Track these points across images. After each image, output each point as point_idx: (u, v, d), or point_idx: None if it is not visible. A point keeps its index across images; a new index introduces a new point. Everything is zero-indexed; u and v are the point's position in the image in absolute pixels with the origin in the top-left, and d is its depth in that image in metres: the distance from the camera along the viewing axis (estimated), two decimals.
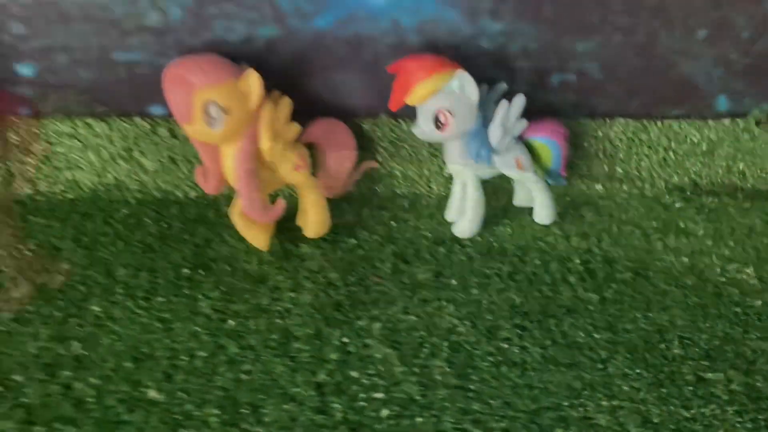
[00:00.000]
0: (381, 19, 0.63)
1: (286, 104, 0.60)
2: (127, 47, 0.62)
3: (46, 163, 0.67)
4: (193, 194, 0.69)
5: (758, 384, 0.51)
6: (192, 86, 0.56)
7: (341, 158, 0.67)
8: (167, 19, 0.61)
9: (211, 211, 0.68)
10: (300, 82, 0.65)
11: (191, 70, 0.56)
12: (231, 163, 0.60)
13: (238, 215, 0.61)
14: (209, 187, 0.63)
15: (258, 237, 0.62)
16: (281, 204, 0.62)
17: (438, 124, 0.61)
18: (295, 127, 0.61)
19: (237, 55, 0.59)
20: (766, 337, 0.55)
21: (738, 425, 0.48)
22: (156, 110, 0.67)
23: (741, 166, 0.73)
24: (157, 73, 0.58)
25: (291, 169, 0.62)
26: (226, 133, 0.58)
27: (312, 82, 0.66)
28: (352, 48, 0.64)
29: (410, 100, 0.60)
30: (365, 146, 0.69)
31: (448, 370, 0.52)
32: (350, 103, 0.68)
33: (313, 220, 0.63)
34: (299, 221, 0.65)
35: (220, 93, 0.56)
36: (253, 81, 0.57)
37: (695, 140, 0.72)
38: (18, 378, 0.50)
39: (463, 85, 0.60)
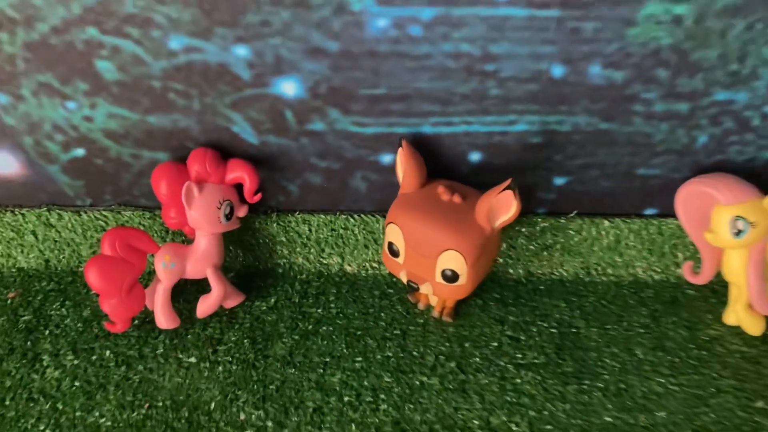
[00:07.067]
0: None
1: None
2: (651, 165, 0.73)
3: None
4: (672, 279, 0.80)
5: None
6: (717, 202, 0.66)
7: None
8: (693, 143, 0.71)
9: (680, 295, 0.77)
10: None
11: (719, 188, 0.66)
12: (738, 263, 0.68)
13: (743, 306, 0.70)
14: (700, 280, 0.73)
15: (755, 325, 0.71)
16: None
17: None
18: None
19: (737, 172, 0.70)
20: None
21: None
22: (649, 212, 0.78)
23: None
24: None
25: None
26: (746, 242, 0.66)
27: None
28: None
29: None
30: None
31: None
32: None
33: None
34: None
35: (747, 210, 0.65)
36: None
37: None
38: None
39: None
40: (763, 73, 0.65)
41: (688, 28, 0.62)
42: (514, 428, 0.63)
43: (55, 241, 0.80)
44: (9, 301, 0.77)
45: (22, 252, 0.81)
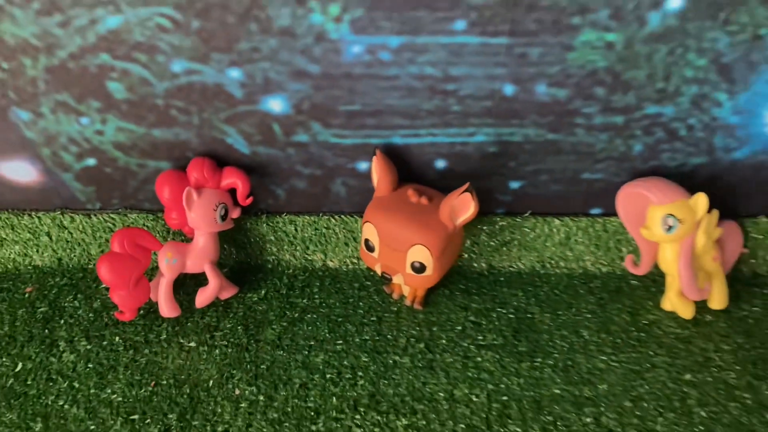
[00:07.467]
0: None
1: (715, 214, 0.73)
2: (594, 170, 0.79)
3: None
4: (618, 272, 0.85)
5: None
6: (651, 202, 0.71)
7: (734, 250, 0.80)
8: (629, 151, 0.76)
9: (625, 285, 0.83)
10: (716, 197, 0.75)
11: (651, 190, 0.72)
12: (671, 255, 0.73)
13: (675, 293, 0.75)
14: (640, 271, 0.78)
15: (686, 309, 0.76)
16: (708, 288, 0.76)
17: None
18: (719, 230, 0.74)
19: (670, 176, 0.75)
20: None
21: None
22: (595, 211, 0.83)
23: None
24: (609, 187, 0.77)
25: (710, 260, 0.74)
26: (676, 237, 0.71)
27: (725, 194, 0.79)
28: (755, 171, 0.78)
29: None
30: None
31: None
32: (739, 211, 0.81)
33: (720, 294, 0.77)
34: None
35: (676, 208, 0.70)
36: (701, 201, 0.70)
37: None
38: None
39: None
40: (685, 90, 0.73)
41: (619, 53, 0.70)
42: (475, 399, 0.70)
43: (68, 242, 0.88)
44: (27, 295, 0.84)
45: (37, 251, 0.88)
